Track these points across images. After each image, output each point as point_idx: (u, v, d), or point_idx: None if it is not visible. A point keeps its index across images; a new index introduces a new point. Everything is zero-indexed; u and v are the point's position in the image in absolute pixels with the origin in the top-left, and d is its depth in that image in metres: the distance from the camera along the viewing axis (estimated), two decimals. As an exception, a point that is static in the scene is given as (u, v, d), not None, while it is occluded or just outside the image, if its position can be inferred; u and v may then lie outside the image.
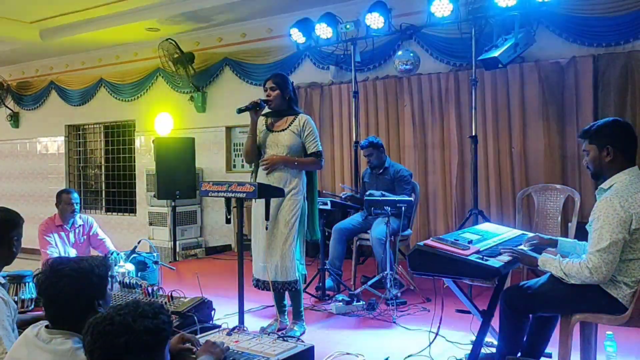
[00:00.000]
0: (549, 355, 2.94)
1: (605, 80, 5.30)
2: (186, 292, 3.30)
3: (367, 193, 4.71)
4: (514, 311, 2.64)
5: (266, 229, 3.53)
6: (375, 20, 5.49)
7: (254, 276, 3.73)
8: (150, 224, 8.01)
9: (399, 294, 4.40)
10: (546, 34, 5.52)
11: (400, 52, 5.88)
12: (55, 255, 4.65)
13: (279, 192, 3.45)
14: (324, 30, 5.87)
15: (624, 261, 2.43)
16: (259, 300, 4.36)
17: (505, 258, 2.60)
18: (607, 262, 2.36)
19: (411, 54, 5.76)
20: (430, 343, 3.16)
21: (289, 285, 3.60)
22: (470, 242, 2.71)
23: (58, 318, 1.87)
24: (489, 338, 3.06)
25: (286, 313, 3.85)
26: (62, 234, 4.85)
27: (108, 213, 9.55)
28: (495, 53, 4.74)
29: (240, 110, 3.66)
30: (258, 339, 2.49)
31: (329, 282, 4.67)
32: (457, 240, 2.69)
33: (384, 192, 4.70)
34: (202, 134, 8.02)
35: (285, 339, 2.48)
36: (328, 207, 4.55)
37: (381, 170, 4.99)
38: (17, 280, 3.72)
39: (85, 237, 4.97)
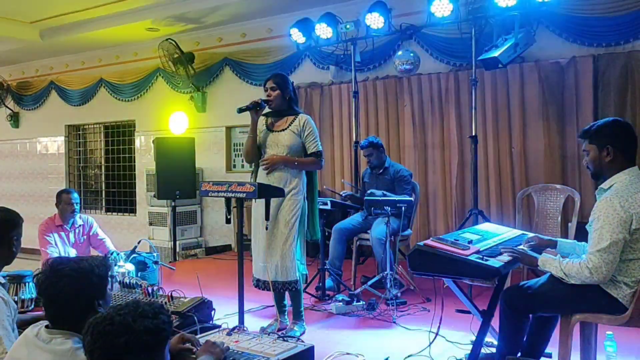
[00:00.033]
0: (549, 355, 2.94)
1: (605, 80, 5.30)
2: (186, 292, 3.30)
3: (369, 192, 4.71)
4: (514, 311, 2.64)
5: (266, 229, 3.53)
6: (375, 20, 5.49)
7: (254, 276, 3.73)
8: (150, 224, 8.01)
9: (399, 294, 4.40)
10: (546, 34, 5.52)
11: (400, 52, 5.88)
12: (55, 255, 4.65)
13: (279, 192, 3.45)
14: (324, 30, 5.87)
15: (624, 261, 2.43)
16: (259, 300, 4.36)
17: (505, 258, 2.60)
18: (607, 262, 2.36)
19: (411, 54, 5.76)
20: (430, 343, 3.15)
21: (289, 285, 3.60)
22: (470, 242, 2.71)
23: (58, 318, 1.87)
24: (489, 338, 3.06)
25: (286, 313, 3.84)
26: (62, 234, 4.85)
27: (108, 213, 9.55)
28: (495, 53, 4.74)
29: (240, 110, 3.66)
30: (258, 339, 2.49)
31: (329, 282, 4.67)
32: (457, 240, 2.69)
33: (385, 192, 4.70)
34: (202, 134, 8.02)
35: (285, 339, 2.48)
36: (328, 207, 4.55)
37: (381, 170, 4.99)
38: (17, 280, 3.72)
39: (85, 237, 4.97)
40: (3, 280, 2.52)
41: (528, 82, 5.66)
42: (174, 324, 2.67)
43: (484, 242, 2.82)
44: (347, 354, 3.32)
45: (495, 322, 2.78)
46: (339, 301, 4.30)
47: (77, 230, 4.92)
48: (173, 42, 7.68)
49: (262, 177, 3.68)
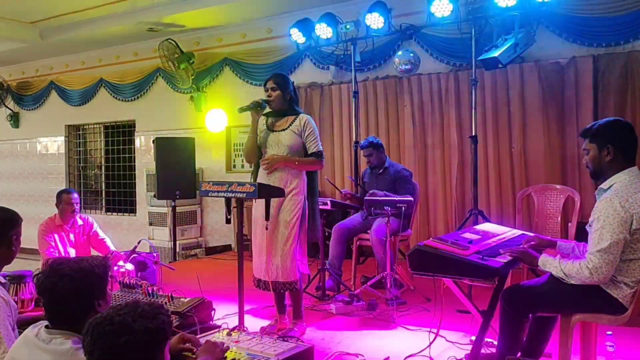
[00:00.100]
0: (549, 355, 2.94)
1: (605, 80, 5.30)
2: (186, 292, 3.30)
3: (370, 192, 4.71)
4: (514, 311, 2.63)
5: (266, 229, 3.53)
6: (375, 20, 5.49)
7: (255, 276, 3.73)
8: (150, 224, 8.02)
9: (399, 294, 4.40)
10: (546, 34, 5.52)
11: (400, 52, 5.87)
12: (55, 255, 4.65)
13: (279, 192, 3.45)
14: (324, 30, 5.87)
15: (624, 261, 2.43)
16: (259, 300, 4.36)
17: (505, 258, 2.60)
18: (608, 262, 2.36)
19: (411, 54, 5.76)
20: (431, 343, 3.15)
21: (289, 286, 3.60)
22: (470, 242, 2.71)
23: (58, 318, 1.87)
24: (489, 338, 3.06)
25: (286, 313, 3.84)
26: (62, 234, 4.85)
27: (108, 213, 9.55)
28: (495, 53, 4.74)
29: (241, 110, 3.66)
30: (258, 339, 2.49)
31: (329, 282, 4.67)
32: (457, 240, 2.69)
33: (387, 192, 4.69)
34: (202, 134, 8.02)
35: (285, 339, 2.48)
36: (328, 207, 4.55)
37: (381, 170, 4.99)
38: (17, 280, 3.72)
39: (85, 237, 4.96)
40: (3, 280, 2.51)
41: (528, 82, 5.66)
42: (174, 324, 2.67)
43: (484, 242, 2.82)
44: (347, 354, 3.32)
45: (495, 322, 2.78)
46: (339, 301, 4.30)
47: (77, 231, 4.92)
48: (173, 42, 7.69)
49: (263, 177, 3.68)
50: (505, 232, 3.18)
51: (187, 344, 2.10)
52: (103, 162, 9.71)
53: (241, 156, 7.89)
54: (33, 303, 3.71)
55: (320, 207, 4.17)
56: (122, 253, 4.75)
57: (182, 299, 3.05)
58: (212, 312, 3.08)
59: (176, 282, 4.62)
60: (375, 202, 4.41)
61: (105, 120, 9.46)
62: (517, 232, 3.26)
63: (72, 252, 4.82)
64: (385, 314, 4.10)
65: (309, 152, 3.70)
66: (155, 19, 7.32)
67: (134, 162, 9.09)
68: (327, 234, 4.90)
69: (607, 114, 5.16)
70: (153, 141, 7.34)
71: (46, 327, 1.88)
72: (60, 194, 4.88)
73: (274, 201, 3.51)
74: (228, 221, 3.68)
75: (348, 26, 5.81)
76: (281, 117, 3.75)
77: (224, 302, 4.18)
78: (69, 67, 9.66)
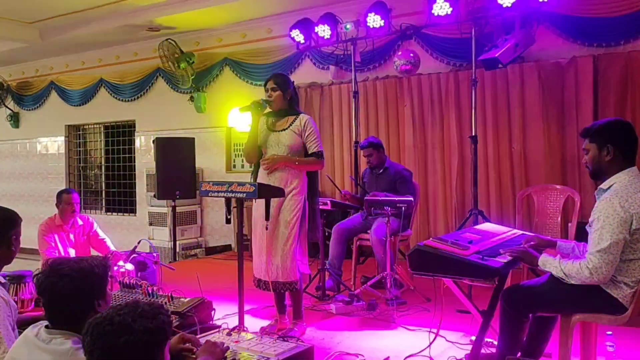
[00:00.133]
0: (549, 355, 2.94)
1: (605, 80, 5.30)
2: (186, 292, 3.30)
3: (371, 193, 4.71)
4: (514, 311, 2.63)
5: (266, 229, 3.52)
6: (375, 21, 5.49)
7: (255, 276, 3.73)
8: (150, 224, 8.02)
9: (399, 294, 4.40)
10: (546, 34, 5.52)
11: (400, 52, 5.88)
12: (55, 255, 4.65)
13: (279, 192, 3.44)
14: (324, 31, 5.87)
15: (624, 261, 2.43)
16: (259, 300, 4.36)
17: (505, 258, 2.60)
18: (608, 262, 2.36)
19: (411, 54, 5.75)
20: (431, 343, 3.15)
21: (289, 286, 3.60)
22: (470, 242, 2.71)
23: (58, 318, 1.87)
24: (489, 338, 3.06)
25: (286, 313, 3.84)
26: (62, 234, 4.85)
27: (108, 213, 9.55)
28: (495, 53, 4.74)
29: (242, 110, 3.66)
30: (258, 339, 2.49)
31: (329, 282, 4.67)
32: (457, 240, 2.69)
33: (387, 193, 4.69)
34: (202, 134, 8.02)
35: (285, 339, 2.48)
36: (328, 207, 4.54)
37: (381, 171, 4.99)
38: (17, 280, 3.72)
39: (85, 237, 4.96)
40: (3, 280, 2.51)
41: (528, 82, 5.66)
42: (174, 324, 2.67)
43: (484, 242, 2.82)
44: (347, 354, 3.32)
45: (495, 322, 2.78)
46: (339, 301, 4.30)
47: (77, 231, 4.92)
48: (173, 42, 7.69)
49: (263, 177, 3.68)
50: (505, 232, 3.18)
51: (187, 344, 2.10)
52: (103, 162, 9.72)
53: (241, 156, 7.89)
54: (33, 303, 3.71)
55: (320, 207, 4.17)
56: (122, 253, 4.75)
57: (182, 299, 3.05)
58: (212, 312, 3.08)
59: (176, 282, 4.62)
60: (375, 202, 4.41)
61: (105, 120, 9.47)
62: (517, 232, 3.25)
63: (72, 252, 4.82)
64: (385, 314, 4.10)
65: (309, 152, 3.69)
66: (155, 19, 7.32)
67: (134, 162, 9.09)
68: (327, 234, 4.90)
69: (607, 114, 5.16)
70: (153, 141, 7.35)
71: (46, 327, 1.88)
72: (60, 194, 4.88)
73: (274, 201, 3.51)
74: (228, 221, 3.68)
75: (348, 26, 5.81)
76: (281, 117, 3.74)
77: (224, 302, 4.18)
78: (69, 67, 9.67)
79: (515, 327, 2.67)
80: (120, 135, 9.46)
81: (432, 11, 5.07)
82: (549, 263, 2.54)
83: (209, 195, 3.42)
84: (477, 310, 2.92)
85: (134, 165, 9.08)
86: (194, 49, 7.95)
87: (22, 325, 2.26)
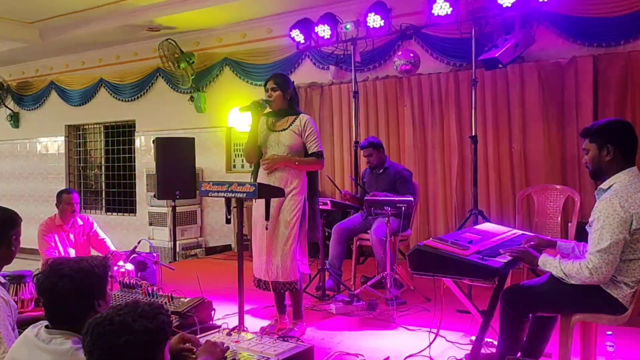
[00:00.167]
0: (549, 355, 2.94)
1: (605, 80, 5.30)
2: (186, 292, 3.30)
3: (371, 193, 4.70)
4: (514, 311, 2.63)
5: (266, 229, 3.52)
6: (375, 21, 5.49)
7: (255, 276, 3.73)
8: (150, 224, 8.02)
9: (399, 294, 4.40)
10: (546, 34, 5.52)
11: (400, 52, 5.88)
12: (55, 255, 4.65)
13: (279, 192, 3.44)
14: (324, 31, 5.87)
15: (624, 261, 2.43)
16: (259, 300, 4.36)
17: (505, 258, 2.60)
18: (608, 262, 2.36)
19: (411, 54, 5.75)
20: (431, 343, 3.15)
21: (289, 286, 3.60)
22: (470, 242, 2.71)
23: (58, 318, 1.87)
24: (489, 338, 3.06)
25: (286, 313, 3.84)
26: (62, 234, 4.84)
27: (108, 213, 9.55)
28: (495, 53, 4.74)
29: (242, 110, 3.66)
30: (258, 339, 2.49)
31: (329, 282, 4.67)
32: (457, 240, 2.69)
33: (387, 193, 4.69)
34: (202, 134, 8.02)
35: (285, 339, 2.48)
36: (328, 207, 4.54)
37: (381, 171, 4.99)
38: (17, 280, 3.72)
39: (85, 237, 4.96)
40: (3, 280, 2.51)
41: (528, 82, 5.66)
42: (174, 324, 2.67)
43: (484, 242, 2.82)
44: (347, 354, 3.32)
45: (495, 322, 2.79)
46: (339, 301, 4.30)
47: (77, 231, 4.92)
48: (173, 42, 7.69)
49: (263, 177, 3.68)
50: (505, 232, 3.18)
51: (187, 344, 2.10)
52: (103, 162, 9.72)
53: (241, 156, 7.89)
54: (33, 303, 3.71)
55: (320, 207, 4.17)
56: (122, 253, 4.75)
57: (182, 299, 3.05)
58: (212, 312, 3.08)
59: (176, 282, 4.62)
60: (375, 202, 4.41)
61: (105, 120, 9.47)
62: (517, 232, 3.25)
63: (72, 252, 4.82)
64: (385, 314, 4.10)
65: (310, 152, 3.69)
66: (155, 19, 7.32)
67: (134, 162, 9.09)
68: (327, 234, 4.90)
69: (607, 114, 5.16)
70: (153, 141, 7.35)
71: (46, 327, 1.88)
72: (60, 194, 4.88)
73: (274, 201, 3.51)
74: (228, 221, 3.68)
75: (348, 26, 5.81)
76: (281, 117, 3.74)
77: (224, 302, 4.18)
78: (69, 67, 9.67)
79: (515, 327, 2.67)
80: (120, 135, 9.46)
81: (432, 11, 5.07)
82: (549, 263, 2.54)
83: (209, 195, 3.42)
84: (477, 310, 2.92)
85: (134, 165, 9.08)
86: (194, 49, 7.95)
87: (22, 325, 2.26)
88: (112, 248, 4.96)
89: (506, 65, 4.92)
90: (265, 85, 3.76)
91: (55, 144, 10.12)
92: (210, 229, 8.12)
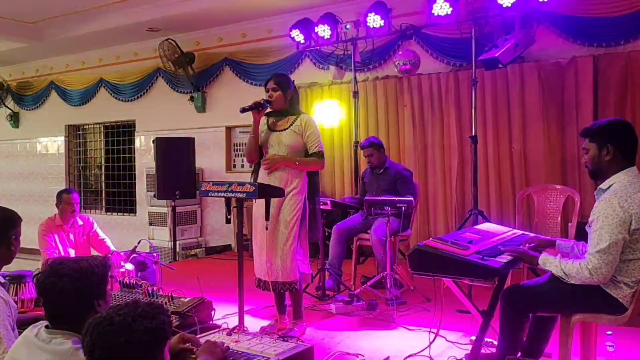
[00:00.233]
0: (549, 355, 2.94)
1: (605, 80, 5.30)
2: (186, 292, 3.30)
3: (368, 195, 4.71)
4: (514, 311, 2.63)
5: (266, 229, 3.52)
6: (375, 21, 5.49)
7: (256, 276, 3.73)
8: (150, 224, 8.02)
9: (399, 294, 4.40)
10: (546, 34, 5.52)
11: (400, 52, 5.88)
12: (55, 255, 4.65)
13: (279, 192, 3.44)
14: (324, 31, 5.87)
15: (624, 261, 2.43)
16: (259, 300, 4.36)
17: (505, 258, 2.60)
18: (607, 262, 2.36)
19: (411, 54, 5.76)
20: (430, 343, 3.15)
21: (289, 286, 3.60)
22: (470, 242, 2.71)
23: (58, 318, 1.87)
24: (489, 338, 3.06)
25: (286, 313, 3.84)
26: (62, 234, 4.84)
27: (108, 213, 9.55)
28: (495, 53, 4.74)
29: (243, 110, 3.66)
30: (258, 339, 2.49)
31: (329, 282, 4.67)
32: (457, 240, 2.69)
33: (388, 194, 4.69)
34: (202, 134, 8.02)
35: (285, 339, 2.48)
36: (328, 207, 4.54)
37: (381, 171, 4.99)
38: (17, 280, 3.72)
39: (85, 237, 4.96)
40: (3, 280, 2.51)
41: (528, 82, 5.66)
42: (174, 324, 2.67)
43: (484, 242, 2.82)
44: (347, 354, 3.32)
45: (495, 322, 2.79)
46: (339, 301, 4.30)
47: (77, 231, 4.92)
48: (173, 42, 7.69)
49: (263, 177, 3.68)
50: (505, 232, 3.18)
51: (187, 344, 2.10)
52: (103, 162, 9.72)
53: (241, 156, 7.90)
54: (33, 303, 3.71)
55: (321, 207, 4.17)
56: (122, 253, 4.75)
57: (182, 299, 3.05)
58: (212, 312, 3.08)
59: (176, 282, 4.61)
60: (375, 202, 4.41)
61: (105, 120, 9.47)
62: (517, 232, 3.25)
63: (72, 252, 4.81)
64: (385, 314, 4.10)
65: (310, 152, 3.69)
66: (155, 18, 7.32)
67: (134, 162, 9.09)
68: (327, 234, 4.91)
69: (607, 114, 5.16)
70: (153, 141, 7.35)
71: (46, 327, 1.88)
72: (60, 194, 4.88)
73: (274, 201, 3.51)
74: (228, 221, 3.68)
75: (348, 26, 5.81)
76: (282, 117, 3.74)
77: (224, 302, 4.18)
78: (69, 67, 9.67)
79: (515, 327, 2.67)
80: (120, 135, 9.46)
81: (432, 11, 5.07)
82: (549, 262, 2.54)
83: (209, 195, 3.42)
84: (477, 310, 2.92)
85: (134, 165, 9.08)
86: (194, 49, 7.95)
87: (22, 325, 2.26)
88: (112, 248, 4.96)
89: (506, 65, 4.92)
90: (265, 85, 3.76)
91: (55, 144, 10.12)
92: (210, 229, 8.12)
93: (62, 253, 4.76)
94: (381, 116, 6.56)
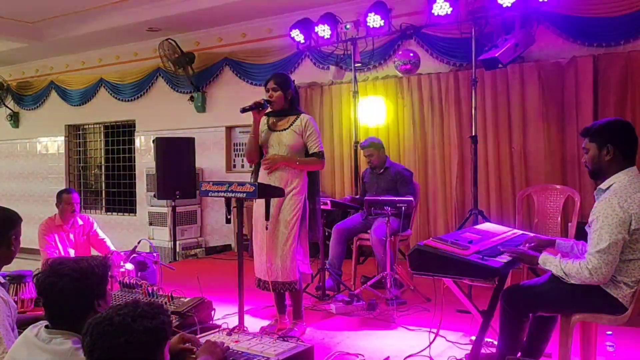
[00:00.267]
0: (549, 355, 2.94)
1: (605, 80, 5.30)
2: (186, 292, 3.30)
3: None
4: (514, 311, 2.63)
5: (266, 229, 3.52)
6: (375, 21, 5.49)
7: (256, 276, 3.73)
8: (150, 224, 8.02)
9: (399, 294, 4.40)
10: (546, 34, 5.52)
11: (400, 52, 5.88)
12: (55, 255, 4.65)
13: (279, 192, 3.44)
14: (324, 30, 5.87)
15: (624, 261, 2.43)
16: (259, 300, 4.36)
17: (505, 258, 2.60)
18: (607, 262, 2.36)
19: (411, 54, 5.76)
20: (430, 343, 3.15)
21: (289, 286, 3.60)
22: (470, 242, 2.71)
23: (58, 318, 1.87)
24: (489, 338, 3.06)
25: (286, 313, 3.84)
26: (62, 234, 4.84)
27: (108, 213, 9.55)
28: (495, 53, 4.75)
29: (243, 110, 3.66)
30: (258, 339, 2.49)
31: (329, 282, 4.67)
32: (457, 240, 2.69)
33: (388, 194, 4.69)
34: (202, 134, 8.02)
35: (285, 339, 2.48)
36: (328, 207, 4.54)
37: (382, 170, 4.99)
38: (17, 280, 3.72)
39: (85, 237, 4.96)
40: (3, 280, 2.51)
41: (528, 82, 5.66)
42: (174, 324, 2.67)
43: (484, 242, 2.82)
44: (347, 354, 3.32)
45: (495, 322, 2.79)
46: (339, 301, 4.30)
47: (77, 230, 4.92)
48: (173, 42, 7.69)
49: (263, 177, 3.68)
50: (505, 232, 3.18)
51: (187, 344, 2.10)
52: (103, 162, 9.72)
53: (241, 156, 7.90)
54: (33, 303, 3.71)
55: (321, 207, 4.17)
56: (122, 253, 4.75)
57: (182, 299, 3.05)
58: (212, 312, 3.08)
59: (176, 282, 4.62)
60: (375, 202, 4.41)
61: (105, 120, 9.47)
62: (517, 232, 3.25)
63: (72, 252, 4.82)
64: (385, 314, 4.10)
65: (310, 152, 3.69)
66: (155, 18, 7.32)
67: (134, 162, 9.09)
68: (327, 234, 4.90)
69: (607, 114, 5.16)
70: (153, 141, 7.35)
71: (46, 327, 1.88)
72: (60, 194, 4.88)
73: (274, 201, 3.51)
74: (228, 221, 3.68)
75: (348, 26, 5.81)
76: (282, 117, 3.74)
77: (224, 302, 4.18)
78: (69, 67, 9.67)
79: (515, 327, 2.67)
80: (120, 135, 9.46)
81: (432, 11, 5.07)
82: (549, 262, 2.53)
83: (209, 195, 3.42)
84: (477, 310, 2.92)
85: (134, 165, 9.08)
86: (194, 49, 7.95)
87: (22, 325, 2.26)
88: (112, 248, 4.96)
89: (506, 65, 4.92)
90: (265, 85, 3.76)
91: (55, 144, 10.12)
92: (210, 229, 8.12)
93: (62, 253, 4.76)
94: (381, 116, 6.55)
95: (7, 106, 10.48)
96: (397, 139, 6.47)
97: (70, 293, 1.84)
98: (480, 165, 5.50)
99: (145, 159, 8.78)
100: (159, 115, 8.53)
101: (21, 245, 2.51)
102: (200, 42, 8.04)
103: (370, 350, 3.37)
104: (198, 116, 8.15)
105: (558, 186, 4.73)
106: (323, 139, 3.90)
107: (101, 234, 5.01)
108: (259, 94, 4.46)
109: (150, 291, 3.17)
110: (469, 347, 3.11)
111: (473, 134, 5.18)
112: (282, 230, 3.58)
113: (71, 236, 4.88)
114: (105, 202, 9.70)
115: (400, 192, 4.77)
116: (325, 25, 5.85)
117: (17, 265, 2.94)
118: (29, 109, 10.35)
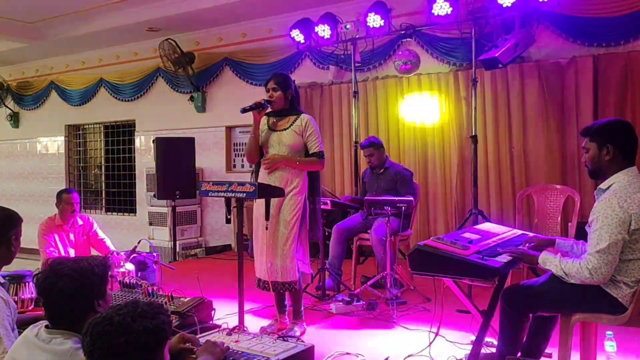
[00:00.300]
0: (549, 355, 2.94)
1: (605, 80, 5.30)
2: (186, 292, 3.30)
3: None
4: (514, 311, 2.63)
5: (266, 228, 3.52)
6: (375, 20, 5.49)
7: (256, 276, 3.73)
8: (150, 224, 8.02)
9: (399, 294, 4.40)
10: (546, 34, 5.52)
11: (400, 52, 5.88)
12: (55, 255, 4.65)
13: (279, 192, 3.44)
14: (324, 30, 5.87)
15: (624, 261, 2.42)
16: (259, 300, 4.36)
17: (505, 258, 2.60)
18: (607, 262, 2.36)
19: (411, 54, 5.76)
20: (430, 343, 3.15)
21: (289, 286, 3.60)
22: (470, 242, 2.71)
23: (58, 318, 1.87)
24: (489, 338, 3.06)
25: (286, 313, 3.84)
26: (62, 233, 4.84)
27: (108, 213, 9.55)
28: (495, 53, 4.75)
29: (244, 110, 3.66)
30: (258, 339, 2.49)
31: (329, 282, 4.67)
32: (457, 240, 2.69)
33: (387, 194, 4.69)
34: (202, 134, 8.02)
35: (285, 339, 2.48)
36: (328, 207, 4.54)
37: (382, 170, 4.99)
38: (17, 280, 3.72)
39: (85, 237, 4.96)
40: (3, 280, 2.51)
41: (528, 82, 5.66)
42: (174, 324, 2.67)
43: (484, 242, 2.82)
44: (347, 354, 3.32)
45: (495, 322, 2.78)
46: (339, 301, 4.30)
47: (77, 230, 4.92)
48: (173, 42, 7.69)
49: (264, 177, 3.68)
50: (505, 232, 3.18)
51: (187, 344, 2.10)
52: (103, 162, 9.72)
53: (241, 156, 7.90)
54: (33, 303, 3.71)
55: (321, 207, 4.17)
56: (122, 253, 4.76)
57: (182, 299, 3.05)
58: (212, 312, 3.08)
59: (176, 282, 4.62)
60: (375, 202, 4.41)
61: (105, 120, 9.47)
62: (517, 232, 3.25)
63: (72, 252, 4.82)
64: (385, 313, 4.10)
65: (310, 152, 3.69)
66: (155, 18, 7.32)
67: (134, 162, 9.09)
68: (327, 234, 4.90)
69: (607, 114, 5.16)
70: (153, 141, 7.35)
71: (46, 327, 1.88)
72: (60, 194, 4.88)
73: (274, 201, 3.51)
74: (228, 221, 3.68)
75: (348, 26, 5.81)
76: (283, 116, 3.74)
77: (224, 302, 4.18)
78: (69, 67, 9.67)
79: (515, 327, 2.67)
80: (120, 135, 9.46)
81: (432, 11, 5.08)
82: (549, 261, 2.53)
83: (209, 195, 3.41)
84: (477, 310, 2.92)
85: (134, 165, 9.08)
86: (194, 49, 7.96)
87: (22, 325, 2.26)
88: (112, 248, 4.96)
89: (506, 65, 4.92)
90: (266, 85, 3.76)
91: (55, 144, 10.12)
92: (210, 229, 8.12)
93: (62, 253, 4.76)
94: (381, 116, 6.56)
95: (7, 106, 10.48)
96: (397, 139, 6.47)
97: (70, 293, 1.84)
98: (480, 165, 5.51)
99: (145, 159, 8.78)
100: (159, 115, 8.53)
101: (21, 245, 2.51)
102: (200, 42, 8.04)
103: (370, 350, 3.37)
104: (198, 116, 8.15)
105: (558, 186, 4.73)
106: (323, 139, 3.90)
107: (101, 234, 5.01)
108: (259, 94, 4.46)
109: (150, 291, 3.17)
110: (469, 347, 3.11)
111: (473, 134, 5.19)
112: (282, 230, 3.58)
113: (71, 236, 4.88)
114: (105, 202, 9.70)
115: (400, 192, 4.77)
116: (325, 25, 5.85)
117: (17, 265, 2.94)
118: (29, 109, 10.35)
